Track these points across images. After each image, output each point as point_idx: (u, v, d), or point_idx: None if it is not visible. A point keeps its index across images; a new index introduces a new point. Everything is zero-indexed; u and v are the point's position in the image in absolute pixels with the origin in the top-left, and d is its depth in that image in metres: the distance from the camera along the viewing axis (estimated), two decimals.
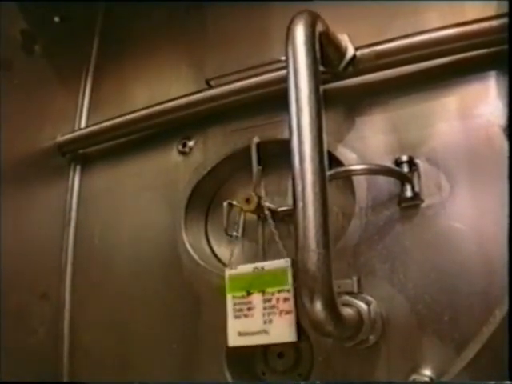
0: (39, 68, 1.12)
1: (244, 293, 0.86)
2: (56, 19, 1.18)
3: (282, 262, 0.85)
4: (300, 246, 0.67)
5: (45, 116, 1.12)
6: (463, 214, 0.79)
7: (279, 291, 0.83)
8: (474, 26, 0.82)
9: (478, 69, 0.82)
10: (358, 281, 0.82)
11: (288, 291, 0.83)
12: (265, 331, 0.84)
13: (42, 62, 1.14)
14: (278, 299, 0.83)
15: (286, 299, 0.83)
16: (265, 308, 0.84)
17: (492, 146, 0.79)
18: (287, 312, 0.82)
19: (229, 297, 0.87)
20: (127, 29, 1.21)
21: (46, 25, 1.17)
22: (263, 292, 0.85)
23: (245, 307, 0.86)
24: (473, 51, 0.83)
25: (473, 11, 0.84)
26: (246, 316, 0.86)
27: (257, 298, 0.85)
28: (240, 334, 0.85)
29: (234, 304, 0.87)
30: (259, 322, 0.84)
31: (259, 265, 0.86)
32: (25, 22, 1.12)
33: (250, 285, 0.86)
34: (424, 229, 0.81)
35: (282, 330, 0.82)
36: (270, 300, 0.84)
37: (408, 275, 0.80)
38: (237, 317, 0.86)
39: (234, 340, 0.86)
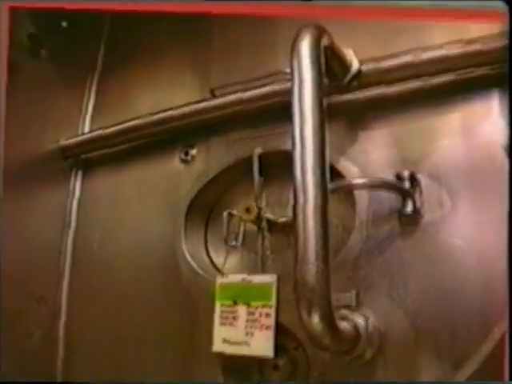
0: (45, 72, 1.13)
1: (231, 302, 0.88)
2: (64, 24, 1.19)
3: (268, 278, 0.86)
4: (299, 258, 0.67)
5: (49, 119, 1.12)
6: (464, 230, 0.79)
7: (263, 306, 0.85)
8: (478, 45, 0.83)
9: (482, 87, 0.82)
10: (357, 295, 0.82)
11: (270, 307, 0.84)
12: (246, 343, 0.85)
13: (48, 65, 1.14)
14: (260, 313, 0.85)
15: (267, 314, 0.84)
16: (248, 320, 0.86)
17: (494, 164, 0.79)
18: (267, 327, 0.83)
19: (218, 304, 0.89)
20: (134, 35, 1.21)
21: (53, 29, 1.17)
22: (248, 304, 0.86)
23: (230, 316, 0.88)
24: (477, 69, 0.84)
25: (478, 29, 0.84)
26: (230, 325, 0.87)
27: (242, 310, 0.87)
28: (224, 341, 0.87)
29: (222, 311, 0.88)
30: (242, 332, 0.86)
31: (248, 277, 0.88)
32: (32, 26, 1.13)
33: (238, 295, 0.88)
34: (424, 244, 0.81)
35: (261, 344, 0.83)
36: (253, 313, 0.85)
37: (407, 290, 0.79)
38: (223, 324, 0.88)
39: (218, 346, 0.88)
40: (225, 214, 0.93)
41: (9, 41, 1.06)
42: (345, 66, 0.87)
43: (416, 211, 0.81)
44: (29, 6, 1.13)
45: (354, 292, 0.82)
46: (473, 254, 0.77)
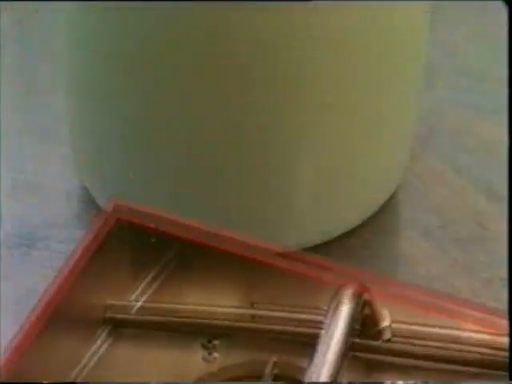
0: (122, 256, 1.29)
1: None
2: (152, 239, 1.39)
3: None
4: None
5: (105, 286, 1.22)
6: None
7: None
8: (504, 339, 0.88)
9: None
10: None
11: None
12: None
13: (126, 253, 1.30)
14: None
15: None
16: None
17: None
18: None
19: None
20: (198, 247, 1.38)
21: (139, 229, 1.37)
22: None
23: None
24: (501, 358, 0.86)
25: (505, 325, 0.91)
26: None
27: None
28: None
29: None
30: None
31: None
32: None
33: None
34: None
35: None
36: None
37: None
38: None
39: None
40: None
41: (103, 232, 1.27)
42: (376, 322, 0.93)
43: None
44: (138, 223, 1.36)
45: None
46: None
